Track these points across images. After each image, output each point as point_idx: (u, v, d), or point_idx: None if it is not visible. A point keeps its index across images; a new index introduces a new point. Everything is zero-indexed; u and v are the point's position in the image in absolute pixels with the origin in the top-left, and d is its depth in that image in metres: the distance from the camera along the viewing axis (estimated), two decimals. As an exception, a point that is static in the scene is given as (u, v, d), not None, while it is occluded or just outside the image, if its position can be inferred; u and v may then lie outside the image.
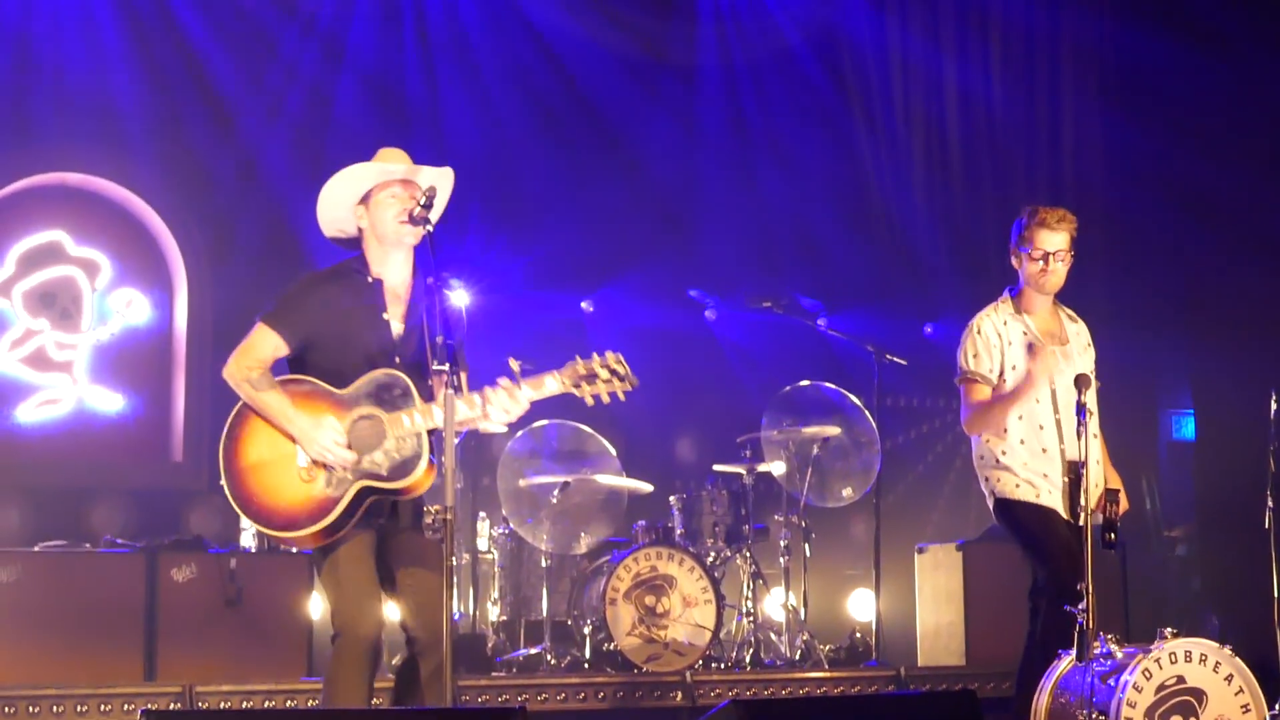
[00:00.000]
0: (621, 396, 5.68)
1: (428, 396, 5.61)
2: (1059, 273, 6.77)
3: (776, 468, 9.74)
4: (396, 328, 5.72)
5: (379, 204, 5.75)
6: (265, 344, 5.71)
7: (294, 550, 9.02)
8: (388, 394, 5.56)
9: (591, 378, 5.65)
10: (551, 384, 5.63)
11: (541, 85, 11.34)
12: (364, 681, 5.62)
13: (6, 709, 7.44)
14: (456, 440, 5.46)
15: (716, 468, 9.88)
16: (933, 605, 9.78)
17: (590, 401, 5.67)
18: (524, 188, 11.27)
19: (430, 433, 5.57)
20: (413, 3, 11.15)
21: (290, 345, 5.72)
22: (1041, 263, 6.74)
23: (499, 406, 5.56)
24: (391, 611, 5.82)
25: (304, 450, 5.56)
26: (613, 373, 5.66)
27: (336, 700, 5.61)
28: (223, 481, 5.64)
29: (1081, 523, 6.42)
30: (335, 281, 5.78)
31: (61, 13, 10.24)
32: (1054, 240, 6.74)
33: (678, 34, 11.63)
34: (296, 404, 5.61)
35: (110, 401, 10.41)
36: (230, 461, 5.65)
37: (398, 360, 5.63)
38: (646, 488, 9.77)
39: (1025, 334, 6.76)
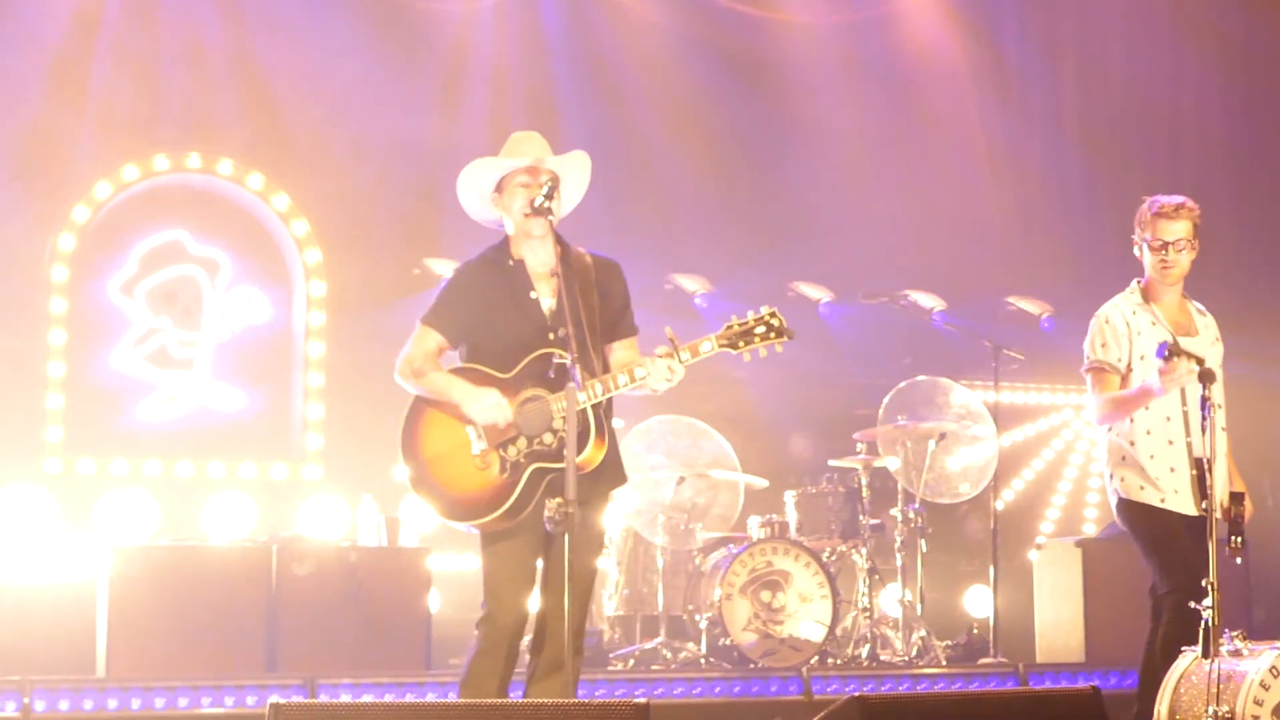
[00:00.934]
0: (779, 349, 5.70)
1: (591, 371, 5.66)
2: (1180, 263, 6.67)
3: (892, 463, 9.69)
4: (548, 304, 5.79)
5: (509, 193, 5.83)
6: (427, 341, 5.84)
7: (412, 545, 9.16)
8: (550, 373, 5.62)
9: (748, 335, 5.69)
10: (708, 346, 5.69)
11: (667, 81, 11.36)
12: (500, 669, 5.70)
13: (133, 701, 7.56)
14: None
15: (832, 463, 9.86)
16: (1051, 601, 9.69)
17: (748, 358, 5.71)
18: (643, 181, 11.28)
19: (596, 408, 5.62)
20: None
21: (451, 340, 5.84)
22: (1162, 253, 6.66)
23: (659, 376, 5.60)
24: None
25: (469, 416, 5.62)
26: (769, 327, 5.68)
27: (470, 684, 5.70)
28: (408, 477, 5.73)
29: (1207, 518, 6.31)
30: (481, 270, 5.89)
31: (177, 6, 10.40)
32: (1173, 230, 6.65)
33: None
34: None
35: (231, 398, 10.55)
36: (412, 458, 5.75)
37: (553, 337, 5.68)
38: (762, 483, 9.76)
39: (1154, 324, 6.67)
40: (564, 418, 5.51)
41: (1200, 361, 6.33)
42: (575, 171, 5.89)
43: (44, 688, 7.50)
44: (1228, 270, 10.87)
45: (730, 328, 5.71)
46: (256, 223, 10.74)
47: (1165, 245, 6.65)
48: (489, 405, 5.62)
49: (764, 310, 5.72)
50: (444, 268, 10.06)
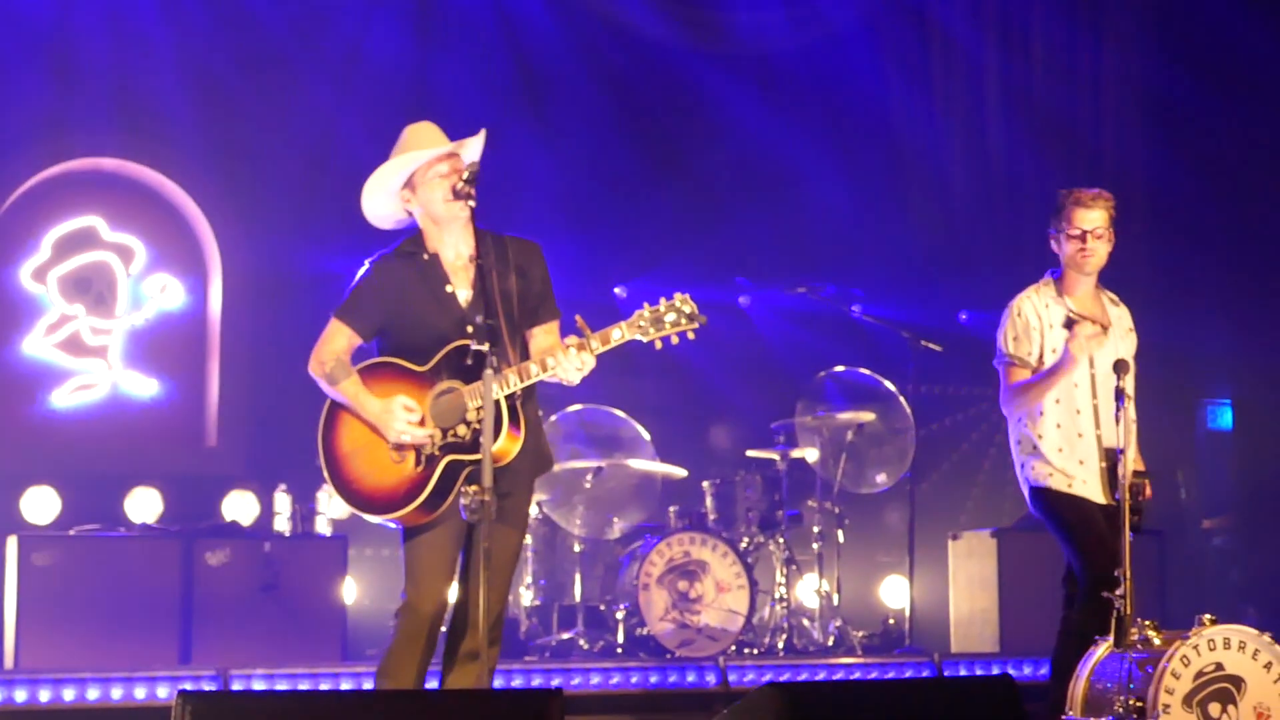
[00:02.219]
0: (691, 335, 5.68)
1: (507, 362, 5.63)
2: (1098, 252, 6.71)
3: (810, 454, 9.72)
4: (464, 296, 5.74)
5: (425, 185, 5.77)
6: (339, 337, 5.78)
7: (327, 535, 9.08)
8: (466, 365, 5.58)
9: (659, 322, 5.66)
10: (618, 334, 5.64)
11: (577, 71, 11.31)
12: (418, 659, 5.66)
13: (42, 693, 7.46)
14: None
15: (750, 453, 9.87)
16: (967, 592, 9.75)
17: (659, 345, 5.67)
18: (558, 175, 11.24)
19: (511, 397, 5.58)
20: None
21: (363, 335, 5.80)
22: (1079, 241, 6.70)
23: (569, 367, 5.57)
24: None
25: (382, 434, 5.60)
26: (680, 314, 5.67)
27: (387, 673, 5.66)
28: (324, 473, 5.69)
29: (1118, 509, 6.36)
30: (395, 264, 5.82)
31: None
32: (1090, 218, 6.70)
33: (716, 20, 11.60)
34: (378, 387, 5.67)
35: (145, 386, 10.44)
36: (329, 452, 5.72)
37: (470, 328, 5.64)
38: (680, 473, 9.76)
39: (1067, 316, 6.71)
40: (478, 409, 5.48)
41: (1121, 365, 6.36)
42: (479, 147, 5.86)
43: (-50, 679, 7.39)
44: (1151, 254, 10.99)
45: (642, 315, 5.68)
46: (172, 209, 10.63)
47: (1084, 234, 6.69)
48: (401, 429, 5.57)
49: (675, 297, 5.70)
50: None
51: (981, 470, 11.70)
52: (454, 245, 5.80)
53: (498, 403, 5.55)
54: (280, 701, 4.66)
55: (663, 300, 5.69)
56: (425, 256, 5.81)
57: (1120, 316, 6.88)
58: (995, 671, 8.57)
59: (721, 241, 11.37)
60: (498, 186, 6.23)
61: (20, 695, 7.42)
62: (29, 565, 8.25)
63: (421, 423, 5.60)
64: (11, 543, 8.42)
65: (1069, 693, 6.21)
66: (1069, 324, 6.50)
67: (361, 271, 5.93)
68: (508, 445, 5.60)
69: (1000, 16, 11.84)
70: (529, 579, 9.41)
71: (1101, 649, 6.19)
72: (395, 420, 5.59)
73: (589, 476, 9.34)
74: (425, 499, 5.56)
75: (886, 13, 11.83)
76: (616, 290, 11.30)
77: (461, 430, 5.56)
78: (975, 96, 11.85)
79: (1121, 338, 6.80)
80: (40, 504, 9.57)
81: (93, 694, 7.52)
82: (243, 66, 10.53)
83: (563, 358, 5.58)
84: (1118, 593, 6.14)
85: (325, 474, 5.70)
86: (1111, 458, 6.51)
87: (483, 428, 5.44)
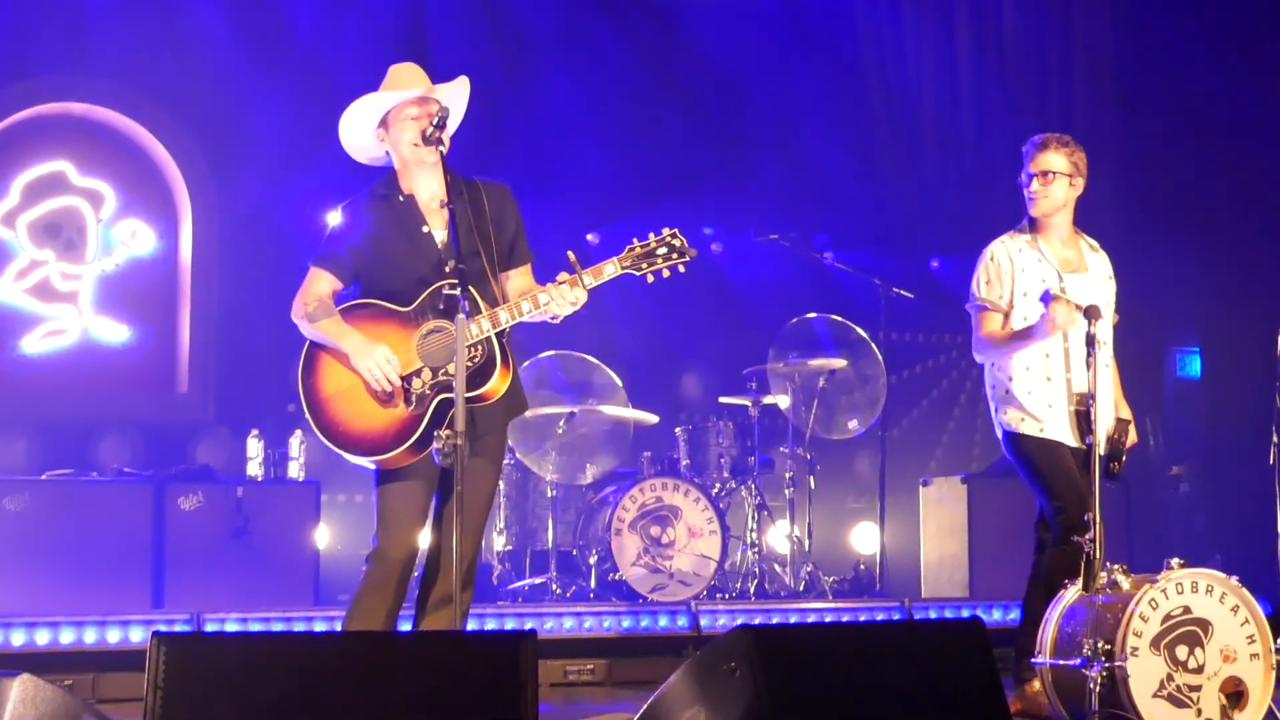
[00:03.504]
0: (682, 269, 5.72)
1: (493, 300, 5.63)
2: (1053, 196, 6.73)
3: (782, 400, 9.75)
4: (440, 236, 5.73)
5: (396, 125, 5.76)
6: (319, 282, 5.77)
7: (300, 480, 9.09)
8: (449, 304, 5.56)
9: (650, 256, 5.70)
10: (610, 269, 5.68)
11: (558, 12, 11.27)
12: (388, 603, 5.65)
13: (15, 636, 7.47)
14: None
15: (722, 400, 9.90)
16: (937, 538, 9.80)
17: (651, 279, 5.72)
18: (533, 117, 11.21)
19: (500, 335, 5.59)
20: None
21: (343, 279, 5.79)
22: (1030, 184, 6.73)
23: (562, 300, 5.59)
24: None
25: (356, 370, 5.58)
26: (671, 248, 5.70)
27: (356, 618, 5.66)
28: (307, 416, 5.66)
29: (1089, 453, 6.40)
30: (370, 207, 5.81)
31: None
32: (1052, 161, 6.72)
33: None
34: (363, 327, 5.65)
35: (115, 332, 10.40)
36: (311, 395, 5.67)
37: (448, 269, 5.62)
38: (652, 419, 9.78)
39: (1040, 261, 6.73)
40: (467, 347, 5.49)
41: (1092, 310, 6.38)
42: (459, 99, 5.85)
43: (-77, 623, 7.39)
44: (1120, 202, 11.02)
45: (633, 249, 5.72)
46: (142, 153, 10.57)
47: (1044, 174, 6.72)
48: (378, 361, 5.56)
49: (665, 231, 5.74)
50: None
51: (952, 416, 11.76)
52: (428, 186, 5.80)
53: (489, 340, 5.56)
54: (254, 643, 4.67)
55: (651, 235, 5.72)
56: (400, 198, 5.80)
57: (1099, 262, 6.90)
58: (965, 615, 8.64)
59: (693, 190, 11.36)
60: (475, 136, 6.21)
61: (-7, 638, 7.43)
62: (2, 510, 8.24)
63: (410, 375, 5.58)
64: (-16, 488, 8.40)
65: (1038, 636, 6.26)
66: (1045, 298, 6.49)
67: (336, 215, 5.92)
68: (499, 383, 5.61)
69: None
70: (501, 524, 9.44)
71: (1071, 593, 6.24)
72: (372, 359, 5.57)
73: (561, 422, 9.35)
74: (418, 438, 5.56)
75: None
76: (589, 237, 11.29)
77: (452, 369, 5.55)
78: (947, 43, 11.84)
79: (1101, 283, 6.83)
80: (11, 449, 9.56)
81: (66, 637, 7.53)
82: (218, 6, 10.45)
83: (555, 291, 5.59)
84: (1087, 537, 6.18)
85: (308, 417, 5.67)
86: (1083, 402, 6.54)
87: (470, 367, 5.46)
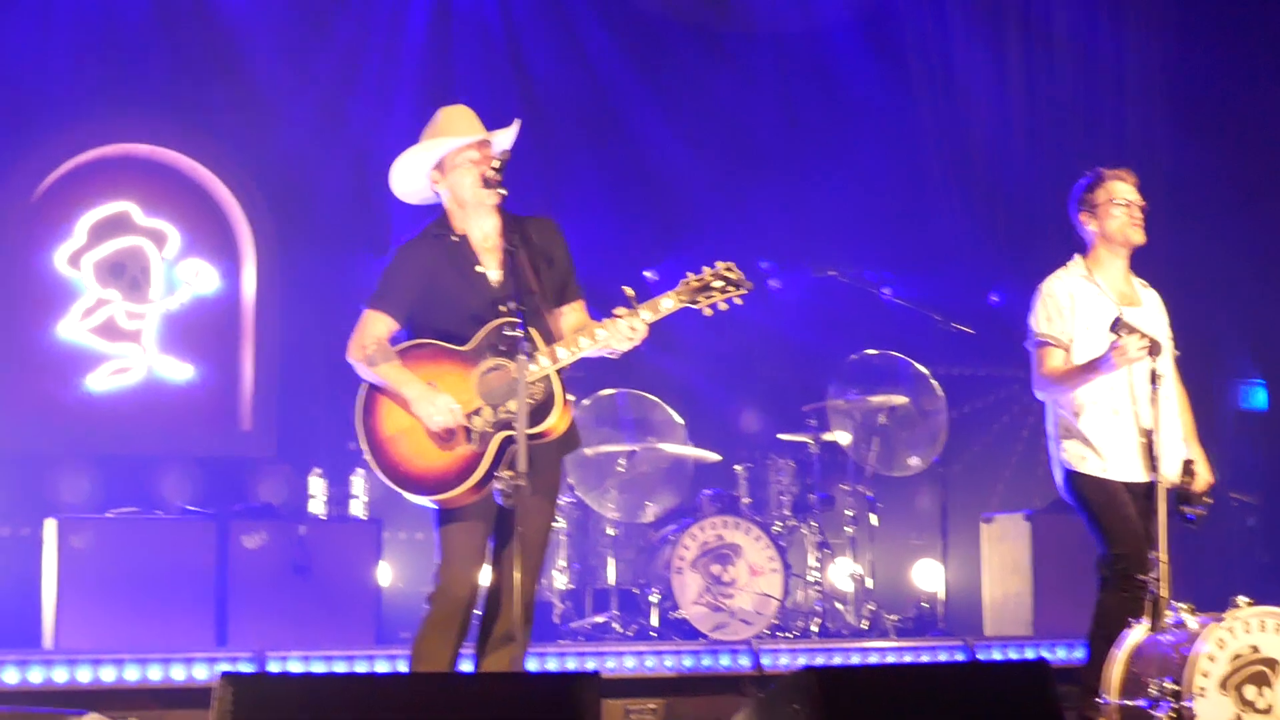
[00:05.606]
0: (739, 301, 5.71)
1: (548, 337, 5.64)
2: (1142, 228, 6.72)
3: (842, 437, 9.72)
4: (494, 275, 5.75)
5: (455, 169, 5.79)
6: (375, 324, 5.78)
7: (362, 518, 9.12)
8: (507, 343, 5.57)
9: (706, 289, 5.69)
10: (668, 303, 5.68)
11: (600, 49, 11.30)
12: (451, 643, 5.67)
13: (81, 673, 7.51)
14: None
15: (782, 437, 9.87)
16: (999, 575, 9.74)
17: (709, 312, 5.71)
18: (585, 156, 11.24)
19: (559, 373, 5.60)
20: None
21: (399, 320, 5.81)
22: (1129, 210, 6.68)
23: (621, 336, 5.59)
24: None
25: (417, 416, 5.59)
26: (727, 280, 5.69)
27: (420, 658, 5.67)
28: (367, 456, 5.67)
29: (1155, 488, 6.35)
30: (423, 248, 5.84)
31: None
32: (1135, 192, 6.71)
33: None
34: (422, 368, 5.66)
35: (179, 370, 10.48)
36: (371, 436, 5.68)
37: (503, 308, 5.64)
38: (713, 457, 9.77)
39: (1099, 296, 6.69)
40: (532, 384, 5.49)
41: (1155, 343, 6.34)
42: (510, 140, 5.88)
43: (-9, 661, 7.45)
44: (1181, 233, 10.93)
45: (688, 283, 5.71)
46: (205, 194, 10.67)
47: (1122, 205, 6.69)
48: (440, 410, 5.57)
49: (719, 264, 5.73)
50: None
51: (1014, 452, 11.67)
52: (480, 226, 5.82)
53: (547, 379, 5.57)
54: (320, 684, 4.69)
55: (705, 268, 5.71)
56: (454, 238, 5.83)
57: (1152, 297, 6.88)
58: (1029, 655, 8.58)
59: (748, 224, 11.36)
60: (530, 172, 6.25)
61: (60, 676, 7.47)
62: (67, 547, 8.31)
63: (471, 414, 5.59)
64: (50, 525, 8.47)
65: (1104, 676, 6.21)
66: (1115, 325, 6.43)
67: (392, 258, 5.95)
68: (560, 421, 5.62)
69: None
70: (562, 562, 9.44)
71: (1136, 632, 6.19)
72: (436, 412, 5.56)
73: (621, 460, 9.36)
74: (481, 477, 5.56)
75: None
76: (646, 274, 11.30)
77: (513, 407, 5.55)
78: (1000, 74, 11.81)
79: (1157, 318, 6.79)
80: (77, 486, 9.65)
81: (131, 674, 7.57)
82: (278, 53, 10.55)
83: (613, 327, 5.59)
84: (1152, 575, 6.14)
85: (368, 456, 5.69)
86: (1148, 436, 6.49)
87: (530, 405, 5.46)
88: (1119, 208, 6.70)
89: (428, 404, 5.58)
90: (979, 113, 11.77)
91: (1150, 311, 6.80)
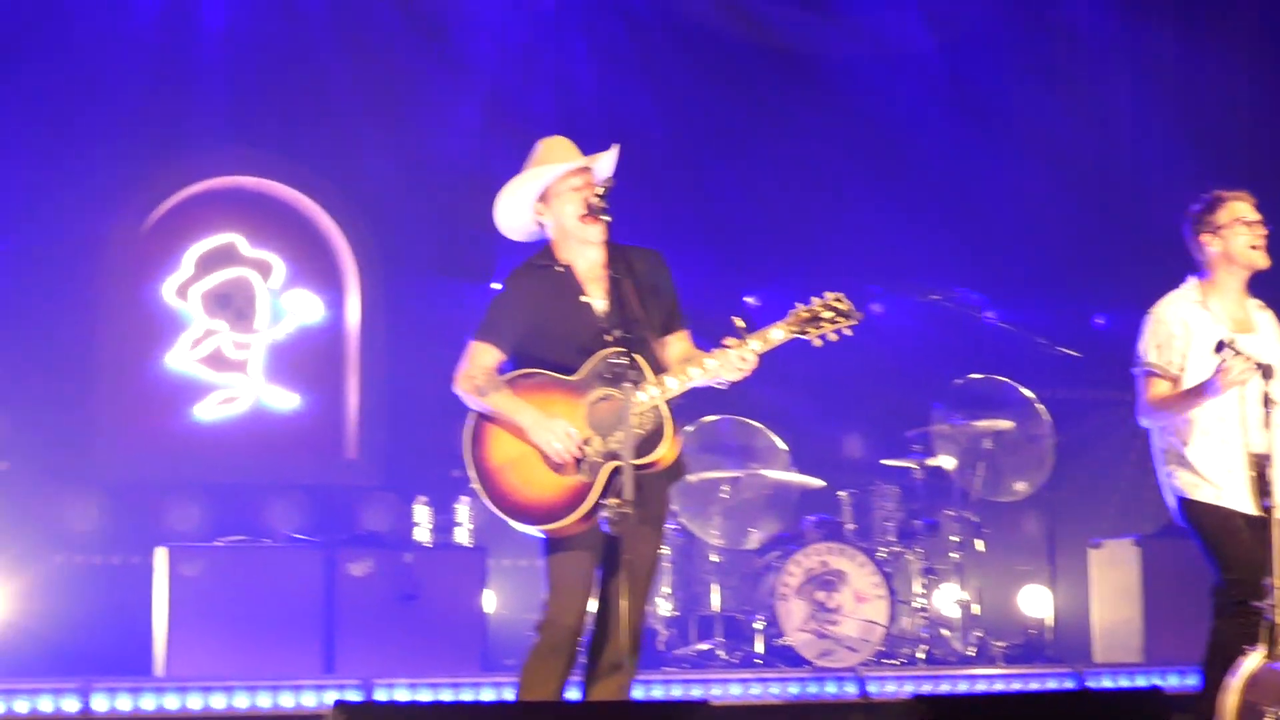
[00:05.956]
0: (848, 332, 5.67)
1: (655, 367, 5.63)
2: (1264, 246, 6.61)
3: (947, 462, 9.65)
4: (599, 305, 5.75)
5: (558, 198, 5.79)
6: (483, 355, 5.78)
7: (468, 546, 9.16)
8: (616, 373, 5.57)
9: (816, 320, 5.66)
10: (777, 334, 5.65)
11: (705, 77, 11.32)
12: (559, 671, 5.65)
13: (192, 700, 7.60)
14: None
15: (886, 462, 9.82)
16: (1109, 601, 9.62)
17: (818, 343, 5.68)
18: (688, 181, 11.25)
19: (668, 402, 5.60)
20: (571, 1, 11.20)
21: (505, 351, 5.80)
22: (1255, 229, 6.57)
23: (731, 366, 5.58)
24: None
25: (534, 443, 5.60)
26: (836, 311, 5.66)
27: (527, 687, 5.66)
28: (475, 486, 5.68)
29: (1268, 517, 6.25)
30: (529, 279, 5.84)
31: (234, 18, 10.42)
32: (1253, 213, 6.59)
33: (824, 23, 11.56)
34: (531, 397, 5.66)
35: (285, 399, 10.60)
36: (480, 465, 5.68)
37: (610, 338, 5.64)
38: (817, 483, 9.73)
39: (1213, 322, 6.59)
40: (642, 414, 5.49)
41: (1265, 366, 6.23)
42: (611, 166, 5.88)
43: (104, 688, 7.55)
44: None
45: (797, 314, 5.67)
46: (310, 225, 10.80)
47: (1250, 225, 6.58)
48: (558, 435, 5.57)
49: (829, 295, 5.69)
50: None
51: (1121, 476, 11.51)
52: (585, 256, 5.82)
53: (656, 409, 5.56)
54: (428, 711, 4.72)
55: (815, 299, 5.68)
56: (559, 268, 5.83)
57: (1267, 321, 6.75)
58: (1140, 682, 8.48)
59: (851, 248, 11.32)
60: (628, 199, 6.25)
61: (171, 703, 7.58)
62: (178, 575, 8.41)
63: (585, 442, 5.61)
64: (161, 554, 8.58)
65: (1219, 705, 6.11)
66: (1220, 347, 6.32)
67: (499, 290, 5.97)
68: (669, 451, 5.60)
69: (1133, 17, 11.69)
70: (666, 589, 9.42)
71: (1252, 659, 6.09)
72: (552, 429, 5.58)
73: (725, 487, 9.34)
74: (590, 507, 5.56)
75: (1018, 11, 11.71)
76: (747, 299, 11.29)
77: (620, 437, 5.56)
78: (1107, 95, 11.70)
79: (1272, 342, 6.67)
80: (186, 514, 9.78)
81: (240, 702, 7.66)
82: (380, 86, 10.67)
83: (723, 357, 5.58)
84: (1268, 602, 6.04)
85: (477, 486, 5.69)
86: (1259, 465, 6.39)
87: (642, 435, 5.46)
88: (1243, 227, 6.58)
89: (545, 430, 5.57)
90: (1083, 134, 11.66)
91: (1266, 335, 6.68)
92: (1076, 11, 11.72)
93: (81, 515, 9.85)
